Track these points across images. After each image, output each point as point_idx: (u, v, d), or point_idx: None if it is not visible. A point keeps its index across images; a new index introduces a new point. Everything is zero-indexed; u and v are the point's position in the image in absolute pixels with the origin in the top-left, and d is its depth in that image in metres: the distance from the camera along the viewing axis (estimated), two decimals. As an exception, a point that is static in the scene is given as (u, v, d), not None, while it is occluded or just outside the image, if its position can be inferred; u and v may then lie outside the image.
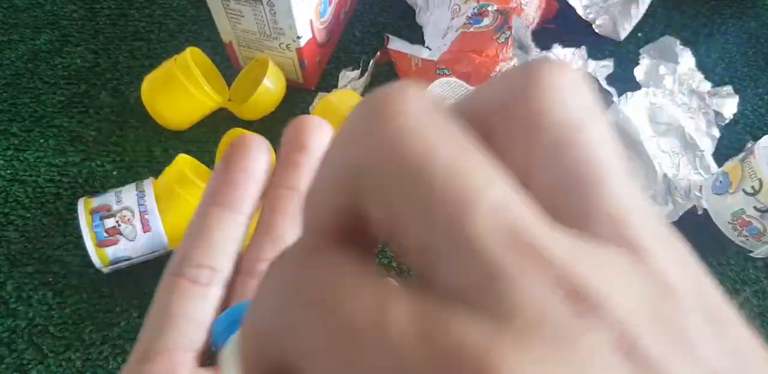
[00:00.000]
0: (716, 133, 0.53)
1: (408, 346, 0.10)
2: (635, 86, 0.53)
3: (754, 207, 0.45)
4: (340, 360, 0.10)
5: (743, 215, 0.46)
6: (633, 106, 0.50)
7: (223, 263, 0.21)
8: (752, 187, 0.45)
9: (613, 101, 0.52)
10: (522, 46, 0.51)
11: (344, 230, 0.12)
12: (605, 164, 0.12)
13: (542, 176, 0.12)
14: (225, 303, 0.21)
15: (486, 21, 0.51)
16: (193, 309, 0.20)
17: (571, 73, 0.12)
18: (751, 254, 0.49)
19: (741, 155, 0.48)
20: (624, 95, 0.51)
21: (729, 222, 0.48)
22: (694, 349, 0.11)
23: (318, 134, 0.23)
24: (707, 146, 0.52)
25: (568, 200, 0.12)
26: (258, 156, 0.22)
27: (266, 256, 0.21)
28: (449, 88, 0.49)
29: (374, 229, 0.11)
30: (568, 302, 0.10)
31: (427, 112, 0.11)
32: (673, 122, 0.51)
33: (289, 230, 0.22)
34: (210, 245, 0.21)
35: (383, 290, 0.10)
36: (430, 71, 0.52)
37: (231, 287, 0.21)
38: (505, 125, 0.12)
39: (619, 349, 0.10)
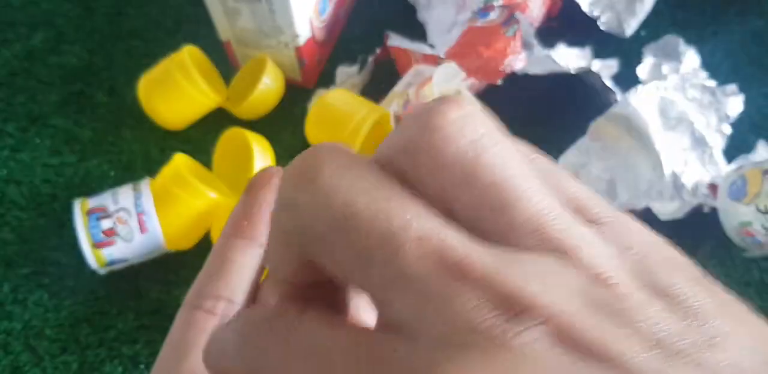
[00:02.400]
0: (727, 130, 0.52)
1: None
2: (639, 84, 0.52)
3: (762, 225, 0.44)
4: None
5: (749, 227, 0.46)
6: (643, 99, 0.50)
7: (241, 295, 0.21)
8: (766, 206, 0.44)
9: (616, 100, 0.51)
10: (526, 45, 0.50)
11: (304, 281, 0.14)
12: (512, 180, 0.13)
13: (459, 204, 0.13)
14: None
15: (493, 15, 0.50)
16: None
17: (459, 110, 0.13)
18: (743, 254, 0.49)
19: (766, 166, 0.46)
20: (634, 88, 0.50)
21: (734, 227, 0.47)
22: (635, 322, 0.12)
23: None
24: (717, 142, 0.51)
25: (487, 219, 0.13)
26: None
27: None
28: (448, 74, 0.48)
29: (330, 276, 0.13)
30: (501, 309, 0.11)
31: (342, 168, 0.13)
32: (683, 117, 0.51)
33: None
34: (229, 277, 0.21)
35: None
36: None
37: None
38: (414, 168, 0.13)
39: (558, 341, 0.11)
